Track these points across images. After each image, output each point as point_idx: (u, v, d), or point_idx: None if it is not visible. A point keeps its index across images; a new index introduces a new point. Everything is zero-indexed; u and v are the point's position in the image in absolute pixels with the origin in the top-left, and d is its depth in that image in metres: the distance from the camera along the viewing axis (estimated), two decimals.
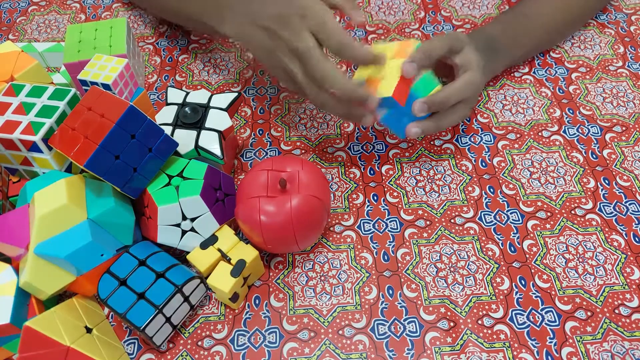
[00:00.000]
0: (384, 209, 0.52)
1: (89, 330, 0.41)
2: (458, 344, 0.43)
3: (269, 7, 0.47)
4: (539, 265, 0.47)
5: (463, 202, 0.52)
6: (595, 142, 0.56)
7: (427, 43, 0.47)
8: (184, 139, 0.49)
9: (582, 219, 0.50)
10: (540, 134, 0.57)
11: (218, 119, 0.50)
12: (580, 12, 0.63)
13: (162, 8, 0.61)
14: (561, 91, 0.61)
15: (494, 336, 0.43)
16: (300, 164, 0.45)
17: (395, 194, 0.53)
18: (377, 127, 0.59)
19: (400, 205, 0.52)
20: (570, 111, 0.59)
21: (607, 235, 0.49)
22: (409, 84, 0.46)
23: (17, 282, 0.41)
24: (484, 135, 0.57)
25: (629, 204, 0.51)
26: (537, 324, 0.44)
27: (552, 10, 0.60)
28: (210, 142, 0.48)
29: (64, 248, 0.40)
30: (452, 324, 0.44)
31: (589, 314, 0.44)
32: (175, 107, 0.51)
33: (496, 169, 0.54)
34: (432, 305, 0.45)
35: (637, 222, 0.50)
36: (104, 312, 0.45)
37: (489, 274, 0.47)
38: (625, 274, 0.47)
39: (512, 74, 0.63)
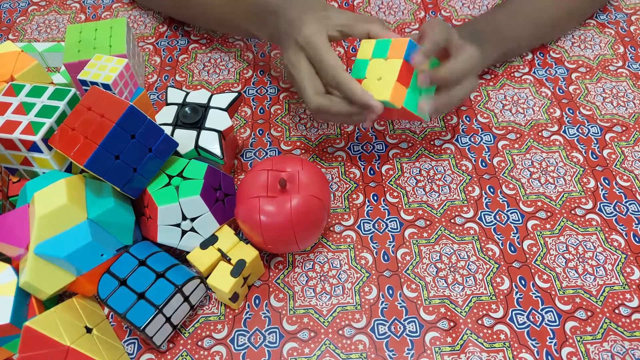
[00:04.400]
0: (384, 209, 0.52)
1: (89, 330, 0.41)
2: (458, 344, 0.43)
3: (283, 21, 0.50)
4: (539, 265, 0.47)
5: (463, 202, 0.52)
6: (595, 142, 0.56)
7: (430, 36, 0.46)
8: (184, 139, 0.49)
9: (582, 219, 0.50)
10: (540, 134, 0.57)
11: (218, 119, 0.50)
12: (574, 7, 0.63)
13: (205, 14, 0.62)
14: (561, 91, 0.61)
15: (494, 336, 0.43)
16: (300, 164, 0.45)
17: (395, 194, 0.53)
18: (378, 127, 0.59)
19: (400, 205, 0.52)
20: (570, 111, 0.59)
21: (607, 235, 0.49)
22: (406, 85, 0.46)
23: (17, 282, 0.41)
24: (484, 135, 0.57)
25: (629, 204, 0.51)
26: (537, 324, 0.44)
27: (541, 5, 0.60)
28: (210, 142, 0.48)
29: (64, 248, 0.40)
30: (452, 324, 0.44)
31: (589, 314, 0.44)
32: (175, 107, 0.51)
33: (496, 169, 0.54)
34: (432, 305, 0.45)
35: (637, 222, 0.50)
36: (104, 312, 0.45)
37: (489, 274, 0.47)
38: (625, 274, 0.47)
39: (512, 74, 0.63)
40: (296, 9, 0.49)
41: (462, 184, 0.53)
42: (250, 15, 0.56)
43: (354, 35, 0.49)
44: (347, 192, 0.53)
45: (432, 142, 0.57)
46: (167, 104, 0.51)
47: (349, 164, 0.55)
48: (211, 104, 0.51)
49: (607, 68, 0.63)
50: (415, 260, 0.48)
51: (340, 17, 0.48)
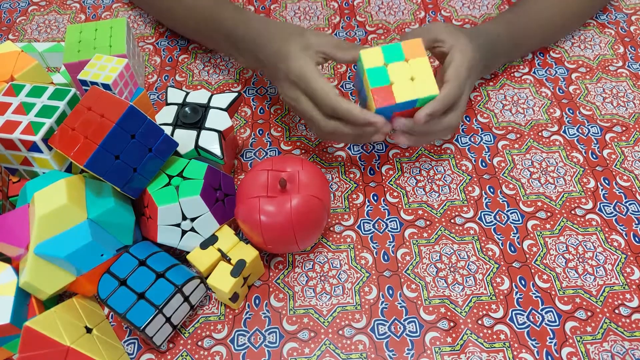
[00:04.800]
0: (384, 209, 0.52)
1: (89, 330, 0.41)
2: (458, 344, 0.43)
3: (266, 53, 0.51)
4: (539, 265, 0.47)
5: (463, 202, 0.52)
6: (595, 142, 0.56)
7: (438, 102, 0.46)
8: (184, 139, 0.49)
9: (582, 219, 0.50)
10: (540, 134, 0.57)
11: (218, 119, 0.50)
12: (579, 9, 0.63)
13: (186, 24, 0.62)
14: (561, 91, 0.61)
15: (494, 336, 0.43)
16: (300, 164, 0.45)
17: (395, 194, 0.53)
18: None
19: (400, 205, 0.52)
20: (570, 111, 0.59)
21: (607, 235, 0.49)
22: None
23: (17, 282, 0.41)
24: (484, 135, 0.57)
25: (629, 204, 0.51)
26: (537, 324, 0.44)
27: (551, 9, 0.60)
28: (210, 142, 0.48)
29: (64, 248, 0.40)
30: (452, 324, 0.44)
31: (589, 314, 0.44)
32: (175, 107, 0.51)
33: (496, 169, 0.54)
34: (432, 305, 0.45)
35: (637, 222, 0.50)
36: (104, 312, 0.45)
37: (489, 274, 0.47)
38: (625, 274, 0.47)
39: (512, 74, 0.63)
40: (278, 39, 0.50)
41: (462, 184, 0.53)
42: (224, 40, 0.56)
43: (337, 61, 0.49)
44: (347, 192, 0.53)
45: (432, 142, 0.57)
46: (167, 104, 0.51)
47: (349, 164, 0.55)
48: (211, 104, 0.51)
49: (607, 68, 0.63)
50: (415, 260, 0.48)
51: (320, 43, 0.49)
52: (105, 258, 0.42)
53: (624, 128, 0.57)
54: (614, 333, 0.43)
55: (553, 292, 0.46)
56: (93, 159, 0.40)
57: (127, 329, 0.45)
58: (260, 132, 0.58)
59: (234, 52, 0.56)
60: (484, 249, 0.49)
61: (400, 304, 0.46)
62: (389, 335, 0.44)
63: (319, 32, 0.50)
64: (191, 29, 0.60)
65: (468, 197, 0.52)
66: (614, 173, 0.54)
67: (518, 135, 0.57)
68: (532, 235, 0.49)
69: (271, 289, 0.47)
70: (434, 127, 0.48)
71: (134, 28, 0.71)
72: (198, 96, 0.52)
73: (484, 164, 0.55)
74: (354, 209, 0.52)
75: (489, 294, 0.46)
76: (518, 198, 0.52)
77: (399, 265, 0.48)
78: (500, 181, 0.53)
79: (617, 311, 0.45)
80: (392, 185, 0.53)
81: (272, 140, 0.58)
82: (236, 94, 0.52)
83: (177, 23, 0.62)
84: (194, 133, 0.49)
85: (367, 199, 0.52)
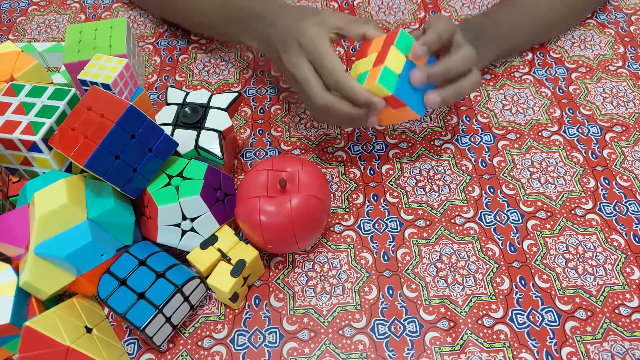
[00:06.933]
0: (384, 209, 0.52)
1: (89, 330, 0.41)
2: (458, 344, 0.43)
3: (277, 29, 0.51)
4: (539, 265, 0.47)
5: (463, 202, 0.52)
6: (595, 142, 0.56)
7: (434, 29, 0.47)
8: (184, 139, 0.49)
9: (582, 219, 0.50)
10: (540, 134, 0.57)
11: (218, 119, 0.50)
12: (571, 7, 0.63)
13: (189, 16, 0.62)
14: (561, 91, 0.61)
15: (494, 336, 0.44)
16: (300, 164, 0.45)
17: (395, 194, 0.53)
18: (378, 127, 0.59)
19: (400, 205, 0.52)
20: (570, 111, 0.59)
21: (607, 235, 0.49)
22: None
23: (17, 282, 0.41)
24: (484, 135, 0.57)
25: (629, 204, 0.51)
26: (537, 324, 0.44)
27: (542, 2, 0.60)
28: (210, 142, 0.48)
29: (64, 248, 0.40)
30: (452, 324, 0.44)
31: (589, 314, 0.44)
32: (175, 107, 0.51)
33: (496, 169, 0.54)
34: (432, 305, 0.45)
35: (637, 222, 0.50)
36: (104, 312, 0.45)
37: (489, 274, 0.47)
38: (625, 274, 0.47)
39: (512, 74, 0.63)
40: (291, 17, 0.50)
41: (462, 184, 0.53)
42: (237, 21, 0.56)
43: (350, 37, 0.49)
44: (347, 192, 0.53)
45: (432, 142, 0.57)
46: (167, 104, 0.51)
47: (349, 164, 0.55)
48: (211, 104, 0.51)
49: (607, 68, 0.63)
50: (415, 260, 0.48)
51: (334, 20, 0.49)
52: (105, 258, 0.42)
53: (624, 128, 0.57)
54: (614, 333, 0.43)
55: (553, 292, 0.46)
56: (93, 159, 0.40)
57: (127, 329, 0.45)
58: (260, 132, 0.58)
59: (240, 31, 0.56)
60: (484, 249, 0.49)
61: (400, 304, 0.46)
62: (389, 335, 0.44)
63: (334, 11, 0.50)
64: (202, 11, 0.60)
65: (468, 197, 0.52)
66: (614, 173, 0.54)
67: (518, 135, 0.57)
68: (532, 235, 0.49)
69: (271, 289, 0.47)
70: (453, 66, 0.46)
71: (134, 28, 0.71)
72: (198, 96, 0.52)
73: (484, 164, 0.55)
74: (354, 209, 0.52)
75: (489, 294, 0.46)
76: (518, 198, 0.52)
77: (399, 265, 0.48)
78: (500, 181, 0.53)
79: (617, 311, 0.45)
80: (392, 185, 0.53)
81: (272, 140, 0.58)
82: (236, 94, 0.52)
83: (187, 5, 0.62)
84: (194, 133, 0.49)
85: (367, 199, 0.52)
